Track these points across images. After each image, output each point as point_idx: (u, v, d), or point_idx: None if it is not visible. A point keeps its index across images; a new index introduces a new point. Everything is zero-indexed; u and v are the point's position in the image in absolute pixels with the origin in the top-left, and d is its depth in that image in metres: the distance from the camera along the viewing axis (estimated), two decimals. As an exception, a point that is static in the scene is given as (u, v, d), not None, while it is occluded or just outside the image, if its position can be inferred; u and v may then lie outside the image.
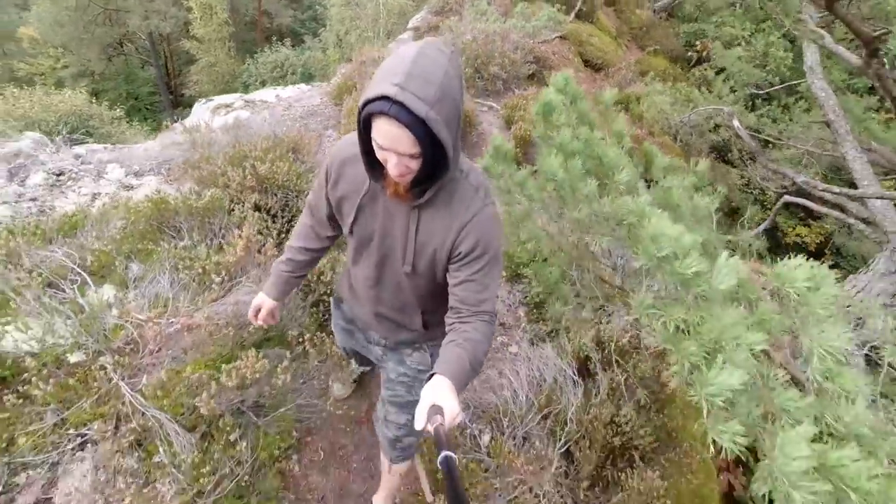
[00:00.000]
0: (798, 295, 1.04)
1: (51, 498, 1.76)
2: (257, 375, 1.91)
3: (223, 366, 1.88)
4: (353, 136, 1.16)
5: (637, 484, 2.24)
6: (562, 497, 2.23)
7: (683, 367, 1.12)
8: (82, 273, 2.23)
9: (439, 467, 0.80)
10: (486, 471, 2.23)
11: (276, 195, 2.98)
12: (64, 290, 2.15)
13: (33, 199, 2.97)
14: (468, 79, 5.67)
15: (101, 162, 3.36)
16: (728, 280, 1.08)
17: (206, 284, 2.30)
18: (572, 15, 8.87)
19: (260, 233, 2.53)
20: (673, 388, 2.94)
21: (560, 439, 2.31)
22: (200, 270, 2.28)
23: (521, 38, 6.44)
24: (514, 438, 2.35)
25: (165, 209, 2.52)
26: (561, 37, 8.01)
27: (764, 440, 1.06)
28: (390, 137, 0.95)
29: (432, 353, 1.51)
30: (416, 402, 1.15)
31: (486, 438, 2.37)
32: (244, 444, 1.93)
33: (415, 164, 1.01)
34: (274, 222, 2.84)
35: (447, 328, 1.19)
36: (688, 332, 1.21)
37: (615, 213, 1.45)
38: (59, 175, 3.15)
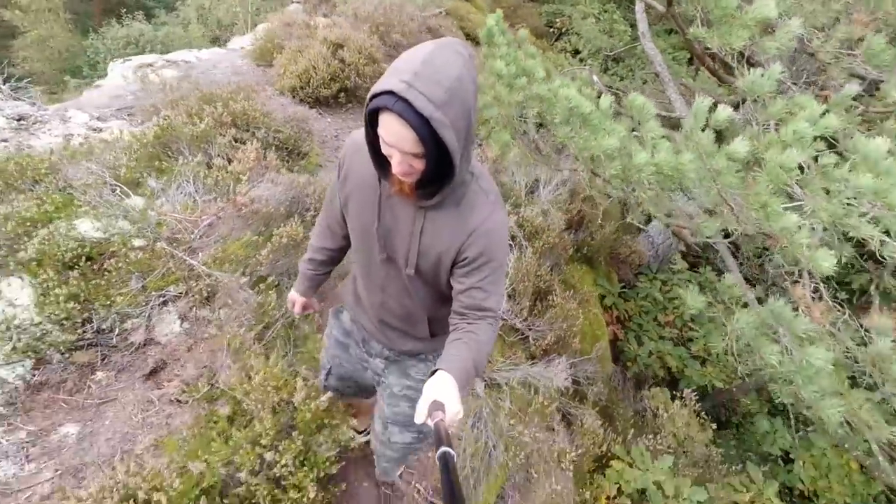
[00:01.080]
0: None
1: (153, 338, 2.32)
2: (298, 238, 2.62)
3: (274, 230, 2.56)
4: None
5: (561, 305, 3.37)
6: (510, 320, 3.27)
7: (590, 159, 2.16)
8: (118, 184, 2.69)
9: (437, 463, 0.80)
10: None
11: (248, 130, 3.55)
12: (108, 196, 2.61)
13: (4, 141, 3.19)
14: (370, 45, 6.40)
15: (57, 109, 3.58)
16: (605, 105, 2.13)
17: (224, 190, 2.89)
18: (452, -7, 9.96)
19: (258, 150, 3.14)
20: (571, 253, 4.15)
21: (504, 285, 3.34)
22: (218, 177, 2.87)
23: (413, 11, 7.31)
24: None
25: (170, 134, 3.00)
26: (445, 12, 9.06)
27: (633, 191, 2.15)
28: (394, 135, 0.94)
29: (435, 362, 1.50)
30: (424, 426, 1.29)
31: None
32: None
33: (419, 165, 1.00)
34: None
35: (451, 327, 1.19)
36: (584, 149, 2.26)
37: (538, 95, 2.46)
38: (19, 119, 3.35)
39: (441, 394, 0.93)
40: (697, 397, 4.02)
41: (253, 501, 1.73)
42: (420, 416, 0.91)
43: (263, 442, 1.78)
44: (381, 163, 1.07)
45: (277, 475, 1.76)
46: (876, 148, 1.54)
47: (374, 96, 0.92)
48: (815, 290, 2.17)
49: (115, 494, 1.59)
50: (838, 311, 2.13)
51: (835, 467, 4.61)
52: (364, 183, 1.20)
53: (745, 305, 2.37)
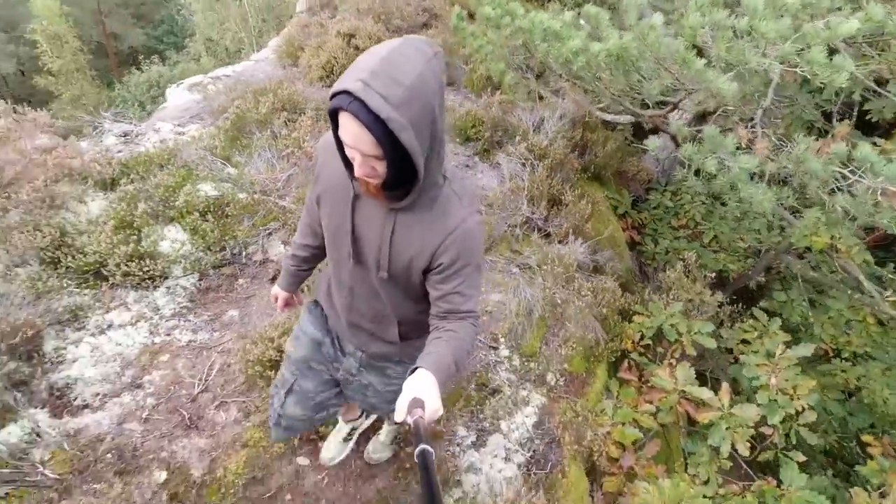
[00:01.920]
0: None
1: (268, 257, 3.19)
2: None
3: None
4: None
5: (573, 202, 4.09)
6: (533, 220, 4.01)
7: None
8: (217, 159, 3.59)
9: (416, 461, 0.81)
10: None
11: (296, 111, 4.41)
12: (215, 167, 3.51)
13: (119, 151, 4.16)
14: (377, 30, 7.18)
15: (147, 124, 4.54)
16: (568, 19, 2.85)
17: (291, 152, 3.75)
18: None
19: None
20: (579, 171, 4.85)
21: (524, 191, 4.09)
22: (286, 143, 3.73)
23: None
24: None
25: (242, 121, 3.89)
26: (436, -7, 9.76)
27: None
28: (351, 136, 0.93)
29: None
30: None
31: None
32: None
33: (380, 167, 0.98)
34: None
35: (431, 328, 1.20)
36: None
37: (520, 27, 3.19)
38: (125, 135, 4.32)
39: (421, 391, 0.94)
40: (715, 280, 4.63)
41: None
42: (400, 414, 0.91)
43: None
44: (350, 164, 1.04)
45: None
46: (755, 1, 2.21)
47: (333, 96, 0.91)
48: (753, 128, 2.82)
49: (277, 329, 2.45)
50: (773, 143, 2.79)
51: (853, 324, 5.15)
52: (335, 183, 1.19)
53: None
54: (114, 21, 25.57)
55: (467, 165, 4.77)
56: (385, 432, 2.24)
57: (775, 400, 3.06)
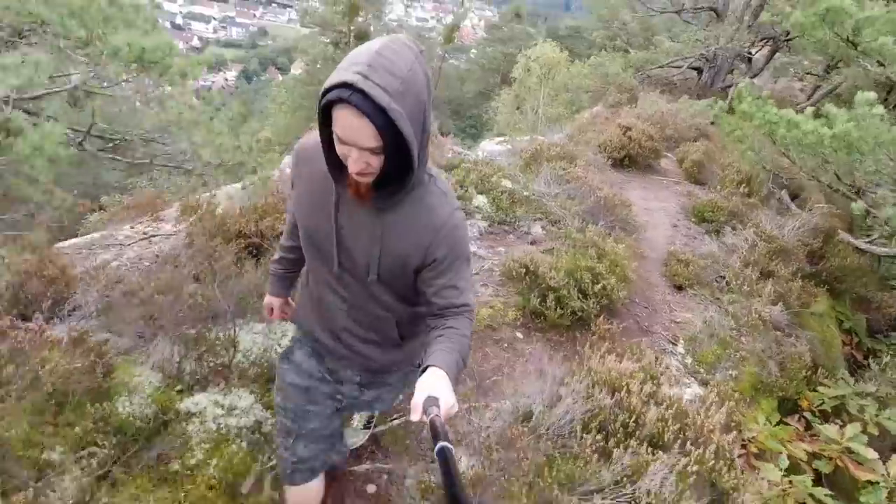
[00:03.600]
0: None
1: (529, 232, 4.75)
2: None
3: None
4: (315, 134, 1.16)
5: (787, 279, 4.59)
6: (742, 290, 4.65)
7: None
8: (515, 172, 5.47)
9: (436, 458, 0.81)
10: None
11: (571, 160, 6.08)
12: (514, 175, 5.38)
13: (459, 154, 6.45)
14: (652, 139, 8.62)
15: (475, 149, 6.87)
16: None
17: (558, 178, 5.37)
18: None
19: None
20: (811, 274, 5.19)
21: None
22: (558, 174, 5.38)
23: (688, 118, 9.44)
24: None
25: (535, 158, 5.75)
26: (711, 122, 10.90)
27: None
28: (350, 128, 0.94)
29: (415, 373, 1.37)
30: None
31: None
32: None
33: (376, 162, 0.99)
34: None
35: (430, 325, 1.21)
36: None
37: (770, 119, 4.21)
38: (461, 152, 6.65)
39: (435, 389, 0.95)
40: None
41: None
42: (416, 414, 0.91)
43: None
44: (336, 165, 1.06)
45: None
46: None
47: (328, 90, 0.92)
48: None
49: (527, 257, 3.88)
50: None
51: None
52: (315, 189, 1.19)
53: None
54: (437, 112, 33.84)
55: (695, 237, 5.65)
56: (357, 418, 2.23)
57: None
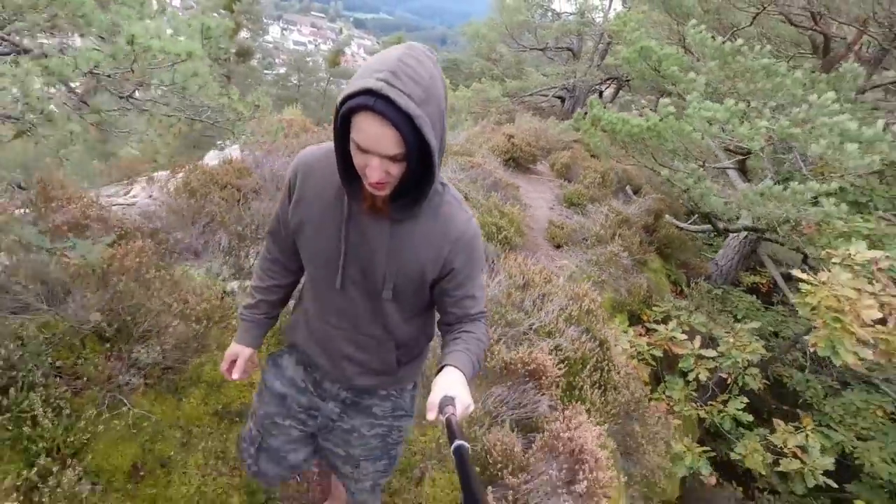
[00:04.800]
0: None
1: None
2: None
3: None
4: (319, 148, 1.19)
5: (630, 236, 6.35)
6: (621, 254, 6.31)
7: None
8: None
9: (453, 457, 0.82)
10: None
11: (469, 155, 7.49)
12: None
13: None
14: (531, 146, 10.48)
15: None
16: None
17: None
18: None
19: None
20: (648, 242, 7.10)
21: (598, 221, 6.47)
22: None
23: (556, 134, 11.57)
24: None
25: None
26: (575, 140, 13.33)
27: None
28: (373, 136, 0.92)
29: (402, 398, 1.46)
30: (395, 444, 1.39)
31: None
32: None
33: (396, 170, 0.98)
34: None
35: (445, 330, 1.23)
36: None
37: (612, 121, 5.99)
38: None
39: (451, 388, 0.96)
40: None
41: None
42: (432, 414, 0.93)
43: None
44: (350, 177, 1.05)
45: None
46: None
47: (349, 97, 0.91)
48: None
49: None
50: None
51: (862, 410, 6.25)
52: (323, 203, 1.16)
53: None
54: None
55: (567, 216, 7.33)
56: None
57: (731, 350, 4.77)
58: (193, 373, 2.41)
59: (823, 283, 3.48)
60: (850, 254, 3.68)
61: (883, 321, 3.63)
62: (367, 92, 0.89)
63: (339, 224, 1.15)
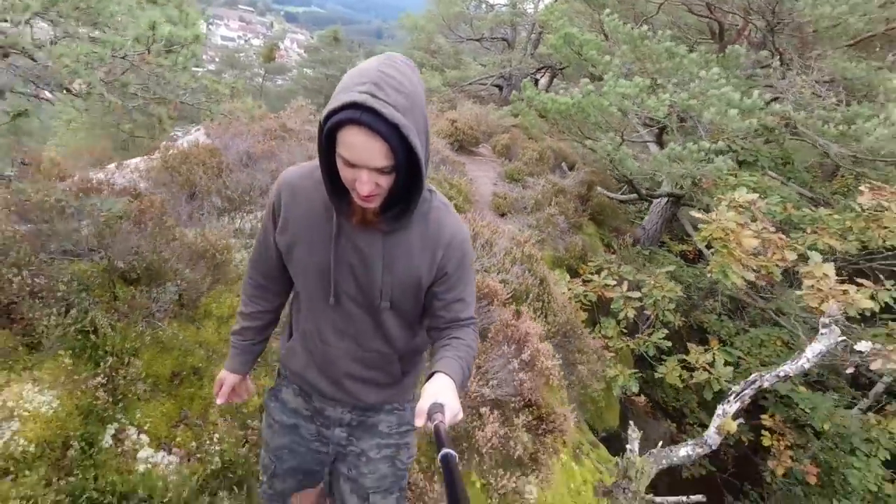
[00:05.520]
0: None
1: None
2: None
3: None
4: (302, 168, 1.20)
5: (568, 201, 7.18)
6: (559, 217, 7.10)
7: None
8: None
9: (439, 464, 0.82)
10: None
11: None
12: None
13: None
14: (473, 130, 11.21)
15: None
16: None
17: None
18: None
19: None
20: (583, 210, 7.99)
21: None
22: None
23: (496, 119, 12.37)
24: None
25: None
26: (513, 125, 14.24)
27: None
28: (361, 149, 0.93)
29: (406, 411, 1.46)
30: (403, 470, 1.35)
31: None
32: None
33: (384, 182, 0.99)
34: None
35: (433, 339, 1.23)
36: None
37: (544, 100, 6.78)
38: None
39: (440, 395, 0.96)
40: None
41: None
42: (420, 420, 0.93)
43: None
44: (338, 193, 1.06)
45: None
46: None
47: (334, 112, 0.91)
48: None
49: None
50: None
51: (765, 342, 7.40)
52: (311, 222, 1.17)
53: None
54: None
55: (509, 189, 8.08)
56: None
57: (652, 290, 5.66)
58: (205, 308, 2.90)
59: (714, 219, 4.36)
60: (734, 197, 4.60)
61: (763, 252, 4.59)
62: (352, 106, 0.90)
63: (328, 240, 1.15)
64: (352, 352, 1.29)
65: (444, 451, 0.83)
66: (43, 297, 2.23)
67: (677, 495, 5.88)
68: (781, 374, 3.44)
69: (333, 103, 0.92)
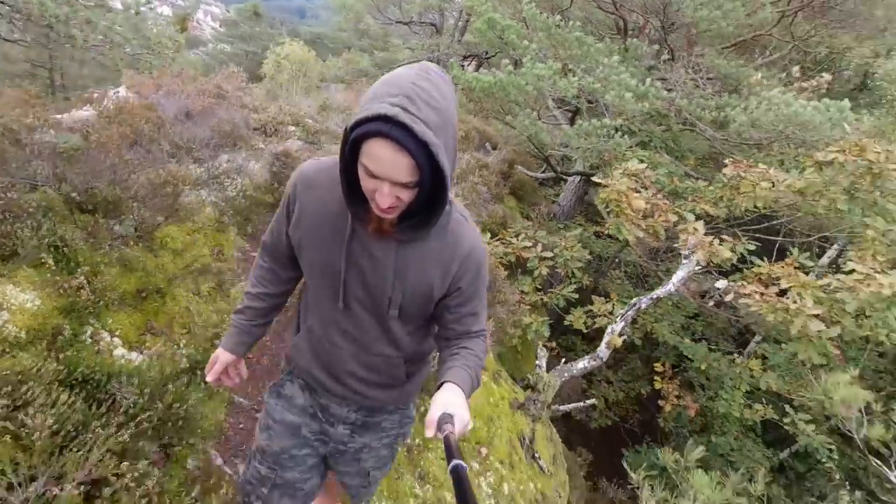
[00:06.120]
0: None
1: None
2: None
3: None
4: (320, 162, 1.18)
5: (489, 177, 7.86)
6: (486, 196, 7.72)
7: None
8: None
9: (450, 476, 0.82)
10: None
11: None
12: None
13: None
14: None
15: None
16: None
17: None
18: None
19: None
20: (504, 185, 8.70)
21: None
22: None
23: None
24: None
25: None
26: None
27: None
28: (386, 163, 0.91)
29: (409, 408, 1.51)
30: (398, 449, 1.38)
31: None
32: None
33: (406, 196, 0.97)
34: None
35: (443, 344, 1.23)
36: None
37: (479, 78, 7.37)
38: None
39: (450, 405, 0.96)
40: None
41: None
42: (430, 431, 0.92)
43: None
44: (356, 200, 1.04)
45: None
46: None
47: (361, 122, 0.89)
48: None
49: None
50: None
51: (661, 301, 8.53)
52: (325, 219, 1.15)
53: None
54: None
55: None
56: None
57: (562, 252, 6.46)
58: (161, 241, 3.17)
59: (610, 184, 5.16)
60: (627, 167, 5.44)
61: (651, 215, 5.47)
62: (382, 118, 0.87)
63: (341, 242, 1.14)
64: (357, 354, 1.30)
65: (455, 462, 0.83)
66: (14, 213, 2.44)
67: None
68: (654, 296, 4.26)
69: (363, 112, 0.90)
